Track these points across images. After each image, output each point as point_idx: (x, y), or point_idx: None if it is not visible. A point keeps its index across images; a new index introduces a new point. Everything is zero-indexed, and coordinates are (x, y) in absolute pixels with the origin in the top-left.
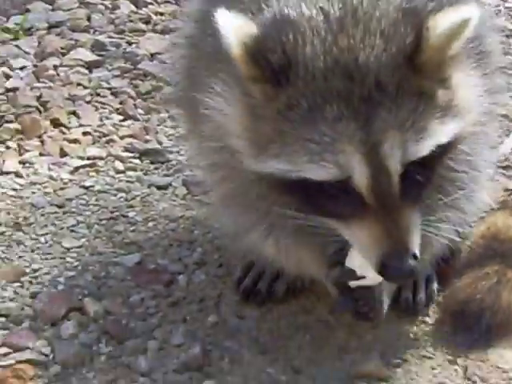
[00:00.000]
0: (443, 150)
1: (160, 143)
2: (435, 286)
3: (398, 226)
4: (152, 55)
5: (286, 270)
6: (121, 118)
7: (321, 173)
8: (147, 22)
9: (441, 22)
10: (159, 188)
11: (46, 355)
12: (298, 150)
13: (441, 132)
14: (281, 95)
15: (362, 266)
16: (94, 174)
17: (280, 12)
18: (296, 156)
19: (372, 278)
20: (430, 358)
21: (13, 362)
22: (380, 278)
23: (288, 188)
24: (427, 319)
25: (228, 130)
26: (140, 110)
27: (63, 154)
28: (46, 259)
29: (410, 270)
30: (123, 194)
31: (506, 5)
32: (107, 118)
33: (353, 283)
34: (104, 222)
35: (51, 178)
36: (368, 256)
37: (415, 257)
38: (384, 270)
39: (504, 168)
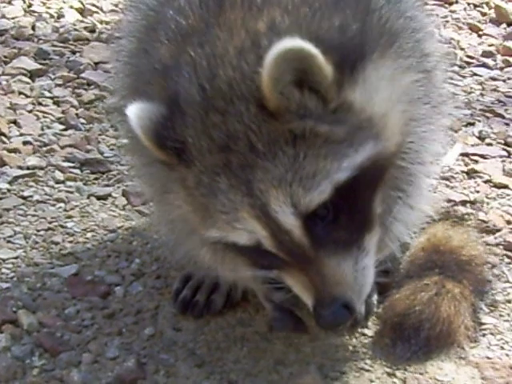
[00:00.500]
0: (361, 178)
1: (101, 153)
2: (375, 297)
3: (322, 275)
4: (96, 64)
5: (222, 277)
6: (62, 127)
7: (239, 238)
8: (92, 31)
9: (266, 64)
10: (99, 198)
11: None
12: (217, 220)
13: (338, 169)
14: (189, 174)
15: None
16: (33, 183)
17: (172, 94)
18: (218, 225)
19: None
20: (368, 370)
21: None
22: None
23: (232, 249)
24: (366, 331)
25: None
26: (82, 120)
27: (2, 163)
28: None
29: (337, 319)
30: (62, 205)
31: (454, 16)
32: (48, 128)
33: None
34: (42, 232)
35: None
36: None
37: (346, 305)
38: (316, 318)
39: (447, 179)
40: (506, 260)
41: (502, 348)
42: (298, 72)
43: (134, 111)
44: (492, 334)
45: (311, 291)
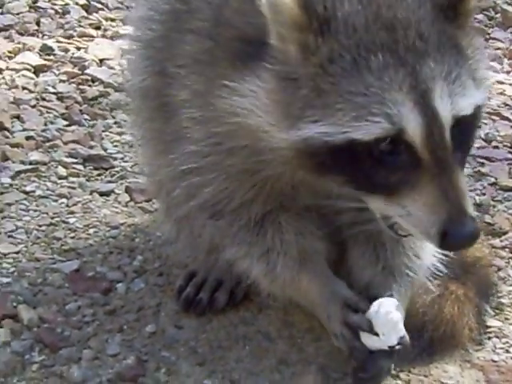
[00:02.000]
0: (475, 118)
1: (105, 149)
2: None
3: (456, 187)
4: (101, 61)
5: (276, 295)
6: (66, 123)
7: (369, 129)
8: (97, 28)
9: None
10: (101, 194)
11: None
12: (342, 107)
13: (476, 92)
14: (322, 47)
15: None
16: (35, 179)
17: None
18: (340, 114)
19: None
20: None
21: None
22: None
23: (328, 160)
24: None
25: (248, 120)
26: (86, 116)
27: (5, 158)
28: None
29: (474, 234)
30: (64, 200)
31: None
32: (52, 123)
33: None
34: (43, 227)
35: None
36: (425, 229)
37: (474, 219)
38: (446, 239)
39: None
40: None
41: (508, 351)
42: None
43: None
44: (497, 337)
45: (439, 208)
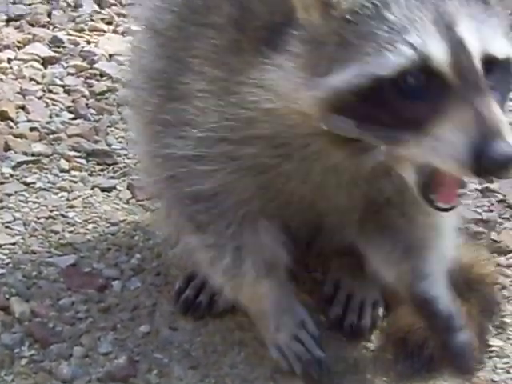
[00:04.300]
0: (508, 70)
1: (109, 145)
2: (381, 311)
3: (490, 110)
4: (110, 56)
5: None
6: (71, 116)
7: (394, 62)
8: (109, 23)
9: None
10: (103, 190)
11: None
12: (367, 49)
13: (506, 41)
14: (342, 1)
15: None
16: (36, 170)
17: None
18: (365, 57)
19: None
20: None
21: None
22: None
23: (358, 109)
24: (369, 345)
25: (276, 89)
26: (92, 110)
27: (7, 148)
28: None
29: (510, 155)
30: (65, 194)
31: None
32: (57, 116)
33: None
34: (42, 220)
35: None
36: (458, 156)
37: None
38: (481, 162)
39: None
40: None
41: (508, 372)
42: None
43: None
44: (498, 356)
45: (475, 129)
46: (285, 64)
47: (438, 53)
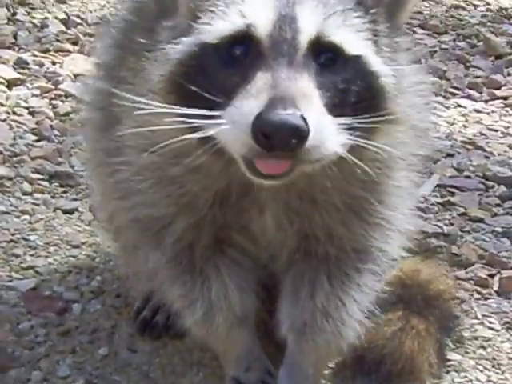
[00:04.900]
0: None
1: (72, 166)
2: None
3: (289, 80)
4: (75, 76)
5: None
6: (35, 138)
7: (221, 27)
8: (75, 43)
9: None
10: (65, 212)
11: None
12: (206, 16)
13: (362, 43)
14: None
15: None
16: None
17: None
18: (202, 23)
19: None
20: None
21: None
22: None
23: (187, 74)
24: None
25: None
26: (56, 132)
27: None
28: None
29: (289, 121)
30: (27, 217)
31: (442, 46)
32: (21, 138)
33: None
34: (3, 244)
35: None
36: (243, 120)
37: (304, 120)
38: (259, 128)
39: (422, 210)
40: (476, 296)
41: None
42: None
43: None
44: (456, 371)
45: (262, 94)
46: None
47: (263, 22)
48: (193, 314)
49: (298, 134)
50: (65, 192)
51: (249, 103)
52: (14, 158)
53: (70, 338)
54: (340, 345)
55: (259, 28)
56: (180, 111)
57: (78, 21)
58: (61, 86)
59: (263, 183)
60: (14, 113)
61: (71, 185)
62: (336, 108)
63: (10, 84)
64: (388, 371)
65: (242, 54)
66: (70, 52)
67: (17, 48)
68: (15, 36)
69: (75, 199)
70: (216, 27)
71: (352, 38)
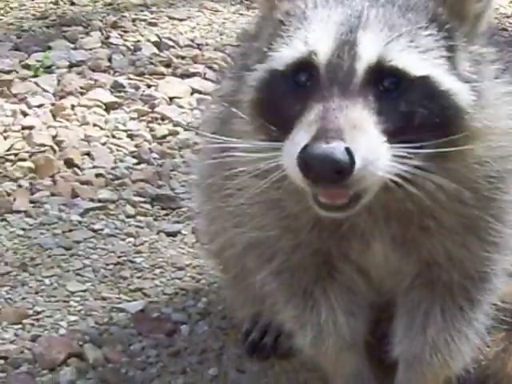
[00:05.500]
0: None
1: (172, 189)
2: None
3: (338, 111)
4: (170, 99)
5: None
6: (135, 161)
7: (287, 54)
8: (168, 65)
9: None
10: (168, 235)
11: None
12: (278, 43)
13: (436, 65)
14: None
15: None
16: (103, 217)
17: None
18: (275, 50)
19: None
20: None
21: None
22: None
23: (263, 100)
24: None
25: None
26: (154, 155)
27: (74, 195)
28: (50, 302)
29: (330, 155)
30: (132, 239)
31: None
32: (121, 161)
33: None
34: (111, 266)
35: (60, 219)
36: (292, 154)
37: (349, 152)
38: (302, 160)
39: None
40: None
41: None
42: None
43: None
44: None
45: (316, 124)
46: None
47: (323, 49)
48: (304, 336)
49: (340, 167)
50: (167, 215)
51: (299, 135)
52: (116, 181)
53: (180, 358)
54: (448, 375)
55: (319, 55)
56: (246, 144)
57: (170, 43)
58: (157, 109)
59: (330, 215)
60: (114, 136)
61: (173, 207)
62: (403, 132)
63: (108, 107)
64: None
65: (305, 81)
66: (163, 75)
67: (112, 71)
68: (110, 59)
69: (177, 222)
70: (282, 54)
71: (418, 58)
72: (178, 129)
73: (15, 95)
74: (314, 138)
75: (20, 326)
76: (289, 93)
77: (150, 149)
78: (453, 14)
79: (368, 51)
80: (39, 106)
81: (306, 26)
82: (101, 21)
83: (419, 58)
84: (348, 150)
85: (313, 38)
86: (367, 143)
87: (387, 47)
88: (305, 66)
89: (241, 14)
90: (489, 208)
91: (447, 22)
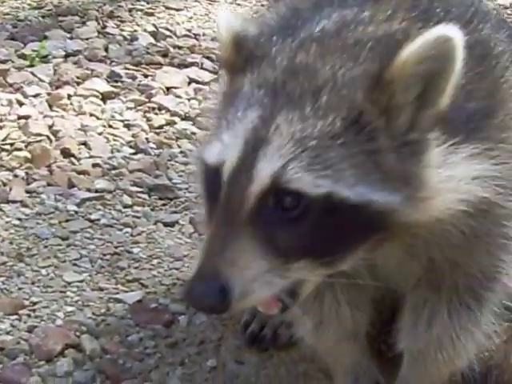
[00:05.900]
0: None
1: (170, 179)
2: None
3: (222, 243)
4: (167, 89)
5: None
6: (132, 151)
7: (211, 150)
8: (165, 55)
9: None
10: (166, 225)
11: None
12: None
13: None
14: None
15: None
16: (100, 207)
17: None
18: (212, 138)
19: None
20: None
21: None
22: None
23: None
24: None
25: None
26: (152, 144)
27: (71, 185)
28: (46, 292)
29: (206, 296)
30: (129, 230)
31: None
32: (118, 151)
33: None
34: (108, 257)
35: (57, 209)
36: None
37: (223, 290)
38: (185, 295)
39: None
40: None
41: None
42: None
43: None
44: None
45: (200, 257)
46: None
47: (227, 164)
48: (304, 324)
49: (215, 306)
50: (164, 205)
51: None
52: (113, 171)
53: (178, 349)
54: (453, 371)
55: (224, 170)
56: None
57: (167, 33)
58: (154, 99)
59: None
60: (110, 126)
61: (170, 198)
62: (308, 249)
63: (105, 97)
64: (495, 382)
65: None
66: (160, 64)
67: (108, 61)
68: (106, 49)
69: (175, 212)
70: (209, 150)
71: (317, 176)
72: (176, 118)
73: (11, 85)
74: (194, 276)
75: (16, 316)
76: (210, 190)
77: (147, 139)
78: (380, 109)
79: (263, 174)
80: (35, 96)
81: (224, 129)
82: (97, 10)
83: (320, 175)
84: (223, 289)
85: (223, 147)
86: (247, 276)
87: (284, 167)
88: (217, 172)
89: (238, 5)
90: (488, 218)
91: (371, 122)
